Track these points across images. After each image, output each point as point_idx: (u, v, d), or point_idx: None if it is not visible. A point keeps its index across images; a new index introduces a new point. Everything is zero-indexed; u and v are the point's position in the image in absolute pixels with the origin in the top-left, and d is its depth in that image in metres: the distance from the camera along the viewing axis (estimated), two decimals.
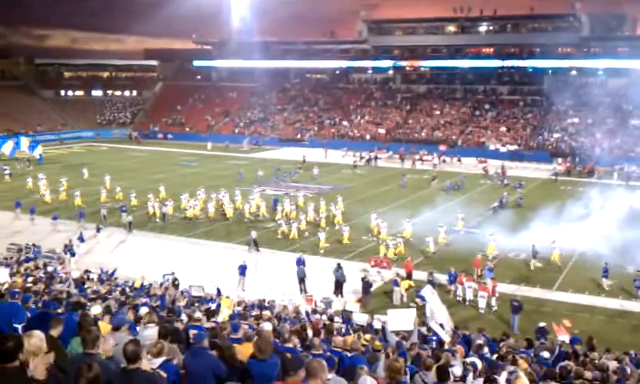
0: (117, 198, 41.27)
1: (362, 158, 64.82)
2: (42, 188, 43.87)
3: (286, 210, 38.12)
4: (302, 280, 26.12)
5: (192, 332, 10.07)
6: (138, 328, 9.09)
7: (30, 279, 19.01)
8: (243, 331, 10.13)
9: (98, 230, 34.85)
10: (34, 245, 29.45)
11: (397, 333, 15.55)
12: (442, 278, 26.26)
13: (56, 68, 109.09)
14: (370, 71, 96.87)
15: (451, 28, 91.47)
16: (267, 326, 10.36)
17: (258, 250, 31.62)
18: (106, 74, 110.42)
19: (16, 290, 12.77)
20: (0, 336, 4.98)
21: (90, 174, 52.17)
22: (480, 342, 15.19)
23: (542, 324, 19.63)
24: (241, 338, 9.84)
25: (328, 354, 10.11)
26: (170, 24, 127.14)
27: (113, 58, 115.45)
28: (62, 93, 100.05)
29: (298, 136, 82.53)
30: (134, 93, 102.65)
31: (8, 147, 60.69)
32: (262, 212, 39.07)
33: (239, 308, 18.94)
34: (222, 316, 15.58)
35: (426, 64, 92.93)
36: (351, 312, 20.50)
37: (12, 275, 19.34)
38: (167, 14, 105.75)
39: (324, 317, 18.16)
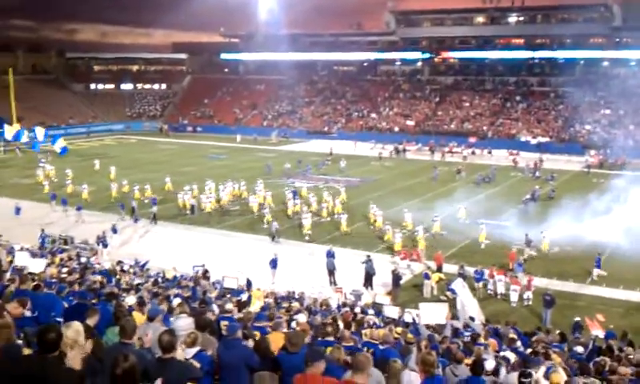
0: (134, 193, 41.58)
1: (383, 149, 64.49)
2: (41, 177, 46.44)
3: (297, 206, 37.93)
4: (331, 272, 26.09)
5: (223, 323, 10.11)
6: (170, 319, 9.13)
7: (65, 270, 19.28)
8: (272, 321, 10.13)
9: (136, 220, 35.38)
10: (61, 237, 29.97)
11: (428, 326, 15.44)
12: (473, 271, 25.99)
13: (86, 62, 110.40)
14: (398, 63, 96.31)
15: (480, 19, 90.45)
16: (302, 318, 10.34)
17: (275, 241, 31.87)
18: (135, 68, 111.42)
19: (52, 280, 12.95)
20: (44, 327, 5.05)
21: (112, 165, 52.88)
22: (512, 335, 15.02)
23: (577, 318, 19.34)
24: (265, 327, 9.85)
25: (360, 346, 10.09)
26: (197, 17, 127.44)
27: (141, 51, 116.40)
28: (93, 86, 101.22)
29: (326, 128, 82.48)
30: (164, 86, 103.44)
31: (59, 145, 62.01)
32: (269, 201, 38.83)
33: (270, 300, 19.00)
34: (254, 308, 15.63)
35: (455, 55, 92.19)
36: (382, 305, 20.41)
37: (47, 266, 19.63)
38: (194, 7, 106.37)
39: (356, 309, 18.12)
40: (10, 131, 60.82)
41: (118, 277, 21.02)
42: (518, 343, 14.14)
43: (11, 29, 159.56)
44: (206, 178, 43.82)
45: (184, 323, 8.10)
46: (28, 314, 7.93)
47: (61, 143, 60.12)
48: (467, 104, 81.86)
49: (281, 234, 32.45)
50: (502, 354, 12.09)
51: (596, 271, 26.43)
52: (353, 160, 59.75)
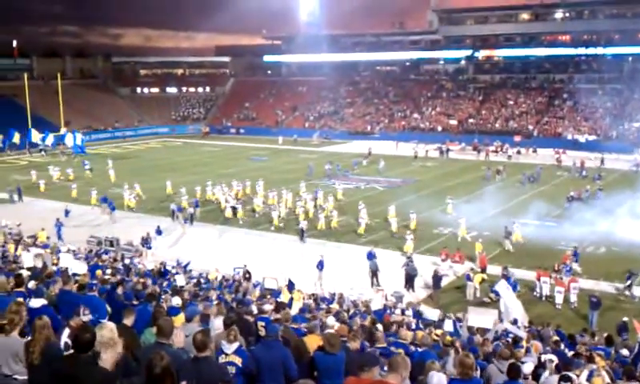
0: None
1: (416, 148, 63.99)
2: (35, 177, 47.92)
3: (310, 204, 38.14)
4: (374, 273, 25.93)
5: (260, 324, 10.18)
6: (212, 320, 9.24)
7: (109, 271, 19.68)
8: (308, 323, 10.15)
9: (186, 221, 35.78)
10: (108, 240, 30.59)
11: (469, 328, 15.27)
12: (518, 273, 25.55)
13: (132, 66, 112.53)
14: (441, 62, 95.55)
15: (525, 16, 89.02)
16: (330, 321, 10.36)
17: (303, 241, 32.05)
18: (179, 71, 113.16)
19: (94, 282, 13.23)
20: (80, 327, 5.18)
21: (160, 168, 53.84)
22: (555, 338, 14.74)
23: (625, 319, 18.84)
24: (302, 329, 9.87)
25: (392, 348, 10.03)
26: (239, 20, 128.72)
27: (185, 55, 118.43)
28: (138, 90, 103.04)
29: (368, 128, 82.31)
30: (207, 89, 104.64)
31: (50, 139, 64.69)
32: (287, 203, 38.78)
33: (310, 301, 19.06)
34: (294, 309, 15.70)
35: (500, 53, 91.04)
36: (422, 306, 20.27)
37: (91, 268, 20.09)
38: (237, 9, 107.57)
39: (396, 311, 18.04)
40: (35, 136, 63.60)
41: (169, 278, 21.39)
42: (562, 345, 13.87)
43: (58, 35, 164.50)
44: (247, 180, 44.22)
45: (221, 323, 8.24)
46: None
47: (71, 141, 62.79)
48: (512, 102, 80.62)
49: (309, 234, 32.64)
50: (543, 357, 11.86)
51: (575, 265, 26.49)
52: (394, 160, 59.46)
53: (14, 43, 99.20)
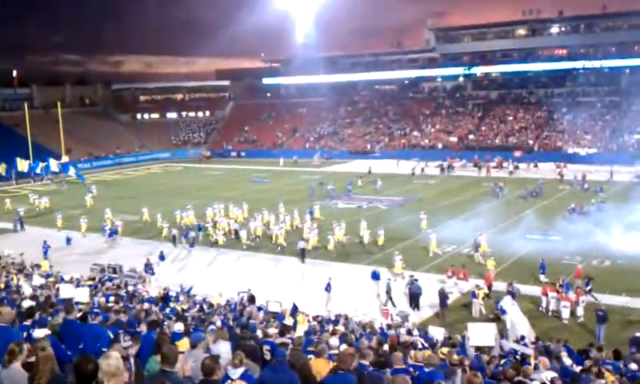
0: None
1: (414, 167, 64.13)
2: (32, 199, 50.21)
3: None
4: (388, 293, 25.64)
5: (265, 348, 10.10)
6: (211, 345, 9.15)
7: (112, 298, 19.61)
8: (316, 346, 10.07)
9: (192, 245, 35.88)
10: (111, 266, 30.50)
11: (477, 347, 15.13)
12: (523, 288, 25.40)
13: (132, 92, 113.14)
14: (439, 79, 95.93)
15: (521, 31, 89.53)
16: (333, 342, 10.28)
17: (303, 262, 31.99)
18: (179, 96, 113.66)
19: (95, 309, 13.15)
20: (81, 358, 5.09)
21: (161, 193, 53.90)
22: (562, 353, 14.59)
23: (638, 334, 18.62)
24: (313, 352, 9.80)
25: (410, 369, 9.95)
26: (237, 44, 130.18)
27: (184, 79, 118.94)
28: (139, 116, 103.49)
29: (368, 147, 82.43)
30: (207, 113, 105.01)
31: (40, 168, 65.18)
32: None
33: (314, 323, 18.93)
34: (299, 332, 15.57)
35: (497, 69, 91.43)
36: (427, 325, 20.11)
37: (94, 295, 20.01)
38: (234, 34, 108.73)
39: (401, 330, 17.89)
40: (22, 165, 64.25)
41: (172, 304, 21.29)
42: (569, 361, 13.74)
43: (59, 63, 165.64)
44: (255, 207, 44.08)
45: (224, 348, 8.17)
46: None
47: (72, 171, 64.36)
48: (511, 118, 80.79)
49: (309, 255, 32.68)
50: (550, 373, 11.73)
51: (542, 277, 26.75)
52: (395, 179, 59.53)
53: (14, 73, 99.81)
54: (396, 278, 27.83)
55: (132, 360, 6.82)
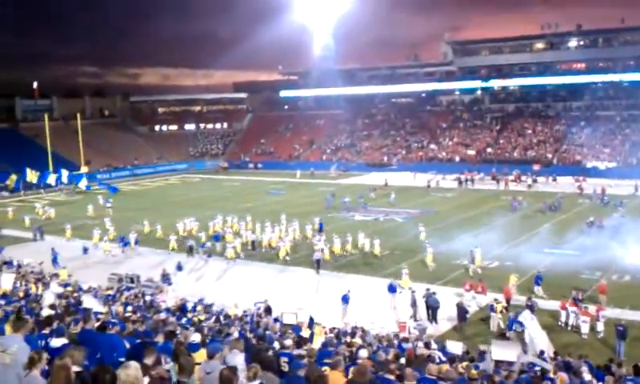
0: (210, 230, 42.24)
1: (429, 180, 64.28)
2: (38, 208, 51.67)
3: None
4: (413, 306, 25.43)
5: (283, 359, 10.04)
6: (227, 356, 9.11)
7: (129, 308, 19.66)
8: (333, 358, 9.99)
9: (209, 255, 35.92)
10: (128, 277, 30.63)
11: (495, 362, 14.96)
12: (542, 303, 25.13)
13: (150, 104, 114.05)
14: (457, 92, 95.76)
15: (539, 45, 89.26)
16: (363, 353, 10.20)
17: (318, 273, 31.96)
18: (197, 108, 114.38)
19: (112, 320, 13.18)
20: (98, 368, 5.08)
21: (177, 204, 54.25)
22: (583, 368, 14.38)
23: None
24: (328, 363, 9.71)
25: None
26: (255, 56, 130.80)
27: (203, 92, 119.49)
28: (157, 128, 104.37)
29: (385, 160, 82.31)
30: (225, 125, 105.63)
31: (52, 178, 66.63)
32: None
33: (331, 335, 18.83)
34: (316, 344, 15.50)
35: (515, 82, 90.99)
36: (445, 339, 19.93)
37: (112, 304, 20.10)
38: (252, 46, 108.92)
39: (419, 344, 17.75)
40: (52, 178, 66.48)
41: (189, 315, 21.31)
42: (589, 376, 13.53)
43: (79, 75, 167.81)
44: (266, 218, 44.18)
45: (239, 359, 8.13)
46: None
47: (85, 182, 64.51)
48: (530, 131, 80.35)
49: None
50: None
51: (537, 288, 26.73)
52: (412, 191, 59.40)
53: (35, 84, 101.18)
54: (401, 290, 27.63)
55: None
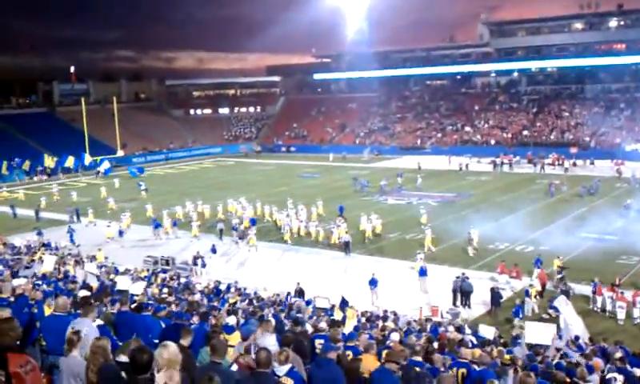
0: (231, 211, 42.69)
1: (461, 163, 63.83)
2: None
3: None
4: (459, 293, 25.25)
5: (318, 341, 10.10)
6: (259, 338, 9.20)
7: (165, 290, 19.97)
8: (363, 342, 10.03)
9: (241, 238, 35.98)
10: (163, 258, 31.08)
11: (530, 346, 14.84)
12: (577, 288, 24.79)
13: (185, 88, 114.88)
14: (492, 74, 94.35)
15: (578, 25, 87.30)
16: (395, 336, 10.21)
17: (347, 254, 32.12)
18: (231, 92, 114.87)
19: (149, 302, 13.40)
20: (136, 349, 5.19)
21: (214, 187, 54.71)
22: (619, 355, 14.16)
23: None
24: (357, 347, 9.75)
25: (448, 368, 9.85)
26: (288, 40, 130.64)
27: (236, 75, 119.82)
28: (192, 111, 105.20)
29: (419, 143, 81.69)
30: (258, 109, 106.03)
31: (104, 166, 68.83)
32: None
33: (363, 318, 18.88)
34: (348, 327, 15.58)
35: (553, 64, 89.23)
36: (478, 324, 19.82)
37: (148, 286, 20.43)
38: (285, 30, 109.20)
39: (450, 328, 17.70)
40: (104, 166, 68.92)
41: (223, 296, 21.58)
42: (626, 363, 13.31)
43: (114, 60, 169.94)
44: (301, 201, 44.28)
45: (271, 341, 8.20)
46: None
47: (106, 165, 67.45)
48: (567, 114, 78.83)
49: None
50: (608, 375, 11.42)
51: (536, 272, 26.32)
52: (446, 175, 58.89)
53: (72, 69, 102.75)
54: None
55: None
